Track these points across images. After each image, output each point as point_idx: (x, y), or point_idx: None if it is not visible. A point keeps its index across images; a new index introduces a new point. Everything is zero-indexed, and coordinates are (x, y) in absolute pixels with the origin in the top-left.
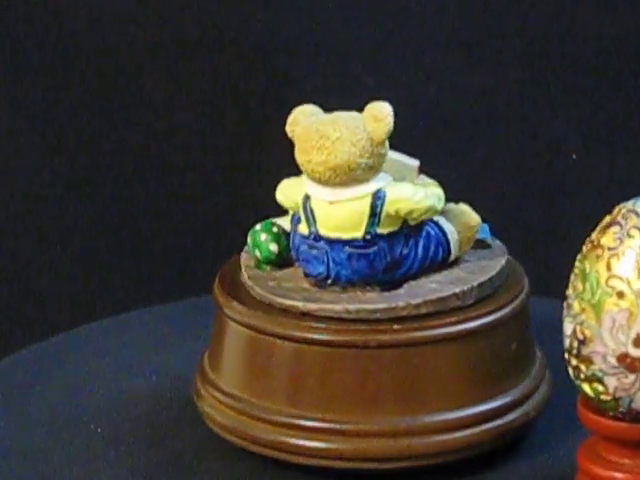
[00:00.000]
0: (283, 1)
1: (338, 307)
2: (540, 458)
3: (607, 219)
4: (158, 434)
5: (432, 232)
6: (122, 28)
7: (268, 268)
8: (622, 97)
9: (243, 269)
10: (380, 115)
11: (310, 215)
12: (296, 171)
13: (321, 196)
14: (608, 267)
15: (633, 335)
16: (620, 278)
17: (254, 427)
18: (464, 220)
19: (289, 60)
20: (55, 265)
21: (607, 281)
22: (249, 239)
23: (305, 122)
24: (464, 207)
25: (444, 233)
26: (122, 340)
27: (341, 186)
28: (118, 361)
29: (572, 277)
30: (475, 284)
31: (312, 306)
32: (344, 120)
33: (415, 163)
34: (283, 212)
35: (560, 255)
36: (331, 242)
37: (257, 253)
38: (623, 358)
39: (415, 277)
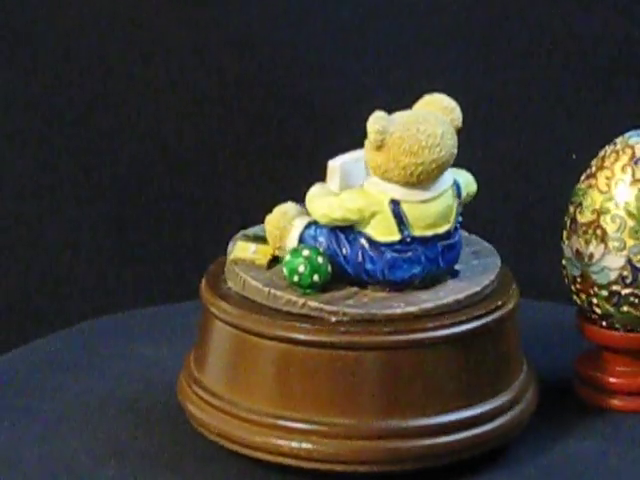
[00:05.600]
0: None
1: (449, 299)
2: (530, 463)
3: (622, 160)
4: (142, 433)
5: None
6: (122, 28)
7: (308, 291)
8: (622, 99)
9: (300, 300)
10: (451, 105)
11: (404, 219)
12: (290, 174)
13: (412, 197)
14: None
15: None
16: None
17: (238, 427)
18: None
19: (288, 62)
20: (49, 265)
21: None
22: (301, 268)
23: (393, 127)
24: None
25: None
26: (112, 340)
27: (429, 183)
28: (106, 361)
29: (604, 219)
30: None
31: (427, 306)
32: (431, 115)
33: None
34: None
35: (548, 260)
36: (425, 241)
37: (315, 278)
38: None
39: None
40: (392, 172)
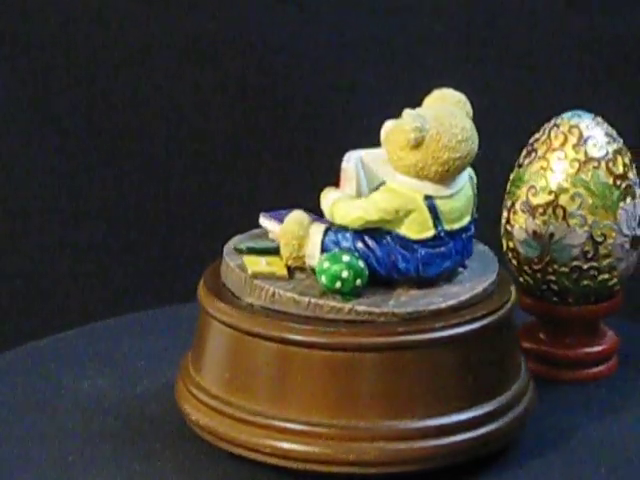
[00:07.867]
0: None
1: (478, 289)
2: (525, 467)
3: (571, 141)
4: (140, 435)
5: None
6: (122, 28)
7: (348, 297)
8: (622, 99)
9: (346, 306)
10: (462, 99)
11: (439, 214)
12: (290, 175)
13: (442, 192)
14: (609, 172)
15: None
16: (624, 176)
17: (236, 429)
18: None
19: (287, 62)
20: (47, 267)
21: (615, 182)
22: (344, 274)
23: (428, 124)
24: None
25: None
26: (109, 343)
27: (457, 177)
28: (103, 364)
29: (563, 199)
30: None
31: (463, 298)
32: (453, 109)
33: None
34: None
35: None
36: (453, 234)
37: (358, 282)
38: (637, 241)
39: None
40: (429, 169)
